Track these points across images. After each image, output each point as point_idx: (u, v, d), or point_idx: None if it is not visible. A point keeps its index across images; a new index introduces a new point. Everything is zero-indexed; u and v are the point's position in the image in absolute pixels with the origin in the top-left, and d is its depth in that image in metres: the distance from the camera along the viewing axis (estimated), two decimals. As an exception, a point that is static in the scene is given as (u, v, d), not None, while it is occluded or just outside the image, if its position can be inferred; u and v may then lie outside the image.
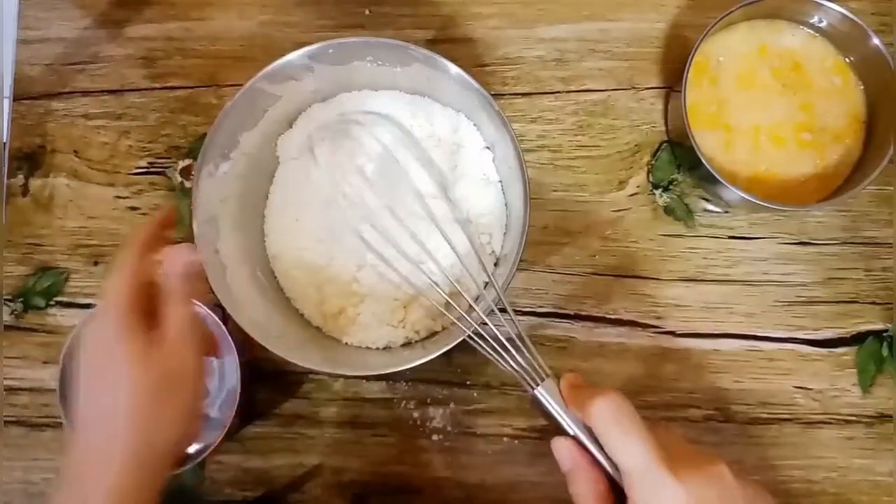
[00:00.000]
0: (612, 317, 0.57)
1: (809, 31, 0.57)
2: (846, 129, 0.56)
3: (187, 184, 0.60)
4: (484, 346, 0.43)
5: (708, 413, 0.56)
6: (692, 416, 0.56)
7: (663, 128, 0.59)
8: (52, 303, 0.59)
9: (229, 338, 0.52)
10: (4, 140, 0.61)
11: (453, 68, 0.48)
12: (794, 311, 0.57)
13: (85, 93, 0.62)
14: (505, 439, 0.56)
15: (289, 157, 0.55)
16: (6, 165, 0.61)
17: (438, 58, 0.48)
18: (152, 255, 0.40)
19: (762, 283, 0.57)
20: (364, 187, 0.52)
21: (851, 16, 0.53)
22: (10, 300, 0.59)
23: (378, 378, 0.57)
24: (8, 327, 0.59)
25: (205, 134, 0.48)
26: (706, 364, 0.56)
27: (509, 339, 0.42)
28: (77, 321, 0.53)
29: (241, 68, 0.61)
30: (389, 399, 0.57)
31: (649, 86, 0.60)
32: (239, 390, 0.52)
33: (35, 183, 0.61)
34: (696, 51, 0.53)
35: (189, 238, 0.48)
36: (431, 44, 0.61)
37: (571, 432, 0.38)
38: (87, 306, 0.59)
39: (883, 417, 0.55)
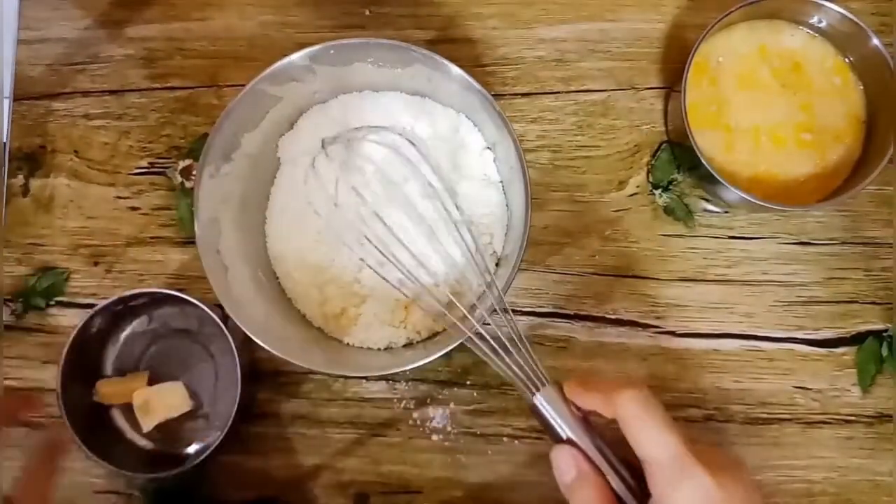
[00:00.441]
0: (612, 317, 0.57)
1: (809, 31, 0.57)
2: (846, 129, 0.56)
3: (188, 184, 0.60)
4: (485, 349, 0.42)
5: (708, 413, 0.56)
6: (692, 416, 0.56)
7: (663, 128, 0.59)
8: (52, 303, 0.59)
9: (229, 338, 0.52)
10: (5, 140, 0.61)
11: (454, 69, 0.48)
12: (794, 311, 0.57)
13: (85, 93, 0.62)
14: (505, 439, 0.56)
15: (290, 158, 0.55)
16: (6, 165, 0.61)
17: (439, 58, 0.48)
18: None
19: (762, 283, 0.57)
20: (365, 189, 0.52)
21: (851, 16, 0.53)
22: (10, 300, 0.59)
23: (378, 378, 0.57)
24: (8, 327, 0.59)
25: (205, 134, 0.49)
26: (706, 364, 0.56)
27: (510, 341, 0.42)
28: (77, 321, 0.53)
29: (241, 68, 0.61)
30: (389, 399, 0.57)
31: (649, 86, 0.60)
32: (239, 390, 0.52)
33: (35, 183, 0.61)
34: (695, 51, 0.53)
35: (192, 238, 0.48)
36: (432, 44, 0.61)
37: (576, 439, 0.37)
38: (88, 306, 0.59)
39: (883, 417, 0.56)
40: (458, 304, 0.46)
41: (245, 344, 0.52)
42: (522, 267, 0.50)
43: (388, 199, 0.52)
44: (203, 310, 0.53)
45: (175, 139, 0.61)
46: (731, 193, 0.52)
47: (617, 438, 0.37)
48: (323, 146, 0.53)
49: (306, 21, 0.62)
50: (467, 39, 0.61)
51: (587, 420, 0.38)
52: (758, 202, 0.51)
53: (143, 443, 0.56)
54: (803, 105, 0.56)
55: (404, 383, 0.57)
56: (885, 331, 0.56)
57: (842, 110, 0.56)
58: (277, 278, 0.55)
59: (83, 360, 0.54)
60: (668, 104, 0.59)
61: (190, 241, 0.59)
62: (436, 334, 0.53)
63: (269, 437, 0.57)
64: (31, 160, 0.61)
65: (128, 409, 0.55)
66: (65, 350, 0.52)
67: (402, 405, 0.57)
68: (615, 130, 0.60)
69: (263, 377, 0.57)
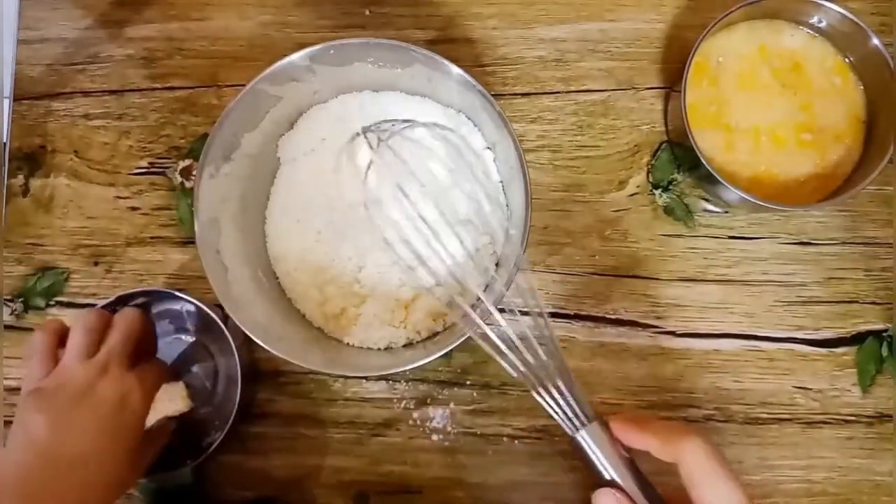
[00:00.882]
0: (612, 317, 0.57)
1: (809, 31, 0.57)
2: (846, 129, 0.56)
3: (187, 184, 0.60)
4: (532, 379, 0.40)
5: (708, 413, 0.56)
6: (692, 415, 0.56)
7: (663, 128, 0.59)
8: (52, 303, 0.59)
9: (230, 338, 0.52)
10: (5, 140, 0.61)
11: (454, 69, 0.48)
12: (794, 311, 0.57)
13: (85, 93, 0.62)
14: (505, 439, 0.56)
15: (290, 158, 0.55)
16: (6, 165, 0.61)
17: (439, 58, 0.48)
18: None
19: (762, 283, 0.57)
20: (407, 186, 0.52)
21: (851, 16, 0.53)
22: (10, 300, 0.59)
23: (378, 378, 0.57)
24: (8, 327, 0.59)
25: (205, 134, 0.49)
26: (706, 364, 0.56)
27: (551, 373, 0.39)
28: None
29: (241, 68, 0.61)
30: (389, 399, 0.57)
31: (649, 86, 0.60)
32: (239, 390, 0.52)
33: (35, 183, 0.61)
34: (695, 51, 0.53)
35: (192, 238, 0.48)
36: (432, 44, 0.61)
37: (621, 482, 0.36)
38: (88, 306, 0.59)
39: (883, 417, 0.56)
40: (511, 336, 0.43)
41: (245, 344, 0.52)
42: (522, 267, 0.50)
43: (425, 196, 0.52)
44: (203, 310, 0.53)
45: (175, 139, 0.61)
46: (731, 193, 0.52)
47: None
48: (363, 134, 0.53)
49: (306, 21, 0.62)
50: (467, 39, 0.61)
51: (633, 461, 0.37)
52: (758, 202, 0.51)
53: (143, 443, 0.56)
54: (803, 105, 0.56)
55: (404, 383, 0.57)
56: (885, 331, 0.56)
57: (842, 110, 0.56)
58: (277, 278, 0.55)
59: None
60: (668, 104, 0.59)
61: (190, 241, 0.59)
62: (436, 334, 0.53)
63: (269, 437, 0.57)
64: (31, 160, 0.61)
65: None
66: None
67: (402, 405, 0.57)
68: (615, 130, 0.60)
69: (263, 377, 0.57)
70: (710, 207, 0.58)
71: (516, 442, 0.56)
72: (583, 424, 0.38)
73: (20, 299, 0.59)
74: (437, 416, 0.56)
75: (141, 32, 0.63)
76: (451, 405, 0.57)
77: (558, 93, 0.60)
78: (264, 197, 0.56)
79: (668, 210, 0.58)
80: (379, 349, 0.52)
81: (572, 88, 0.60)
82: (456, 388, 0.57)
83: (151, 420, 0.54)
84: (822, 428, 0.56)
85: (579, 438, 0.37)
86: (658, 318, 0.57)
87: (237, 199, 0.52)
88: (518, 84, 0.60)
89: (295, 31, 0.62)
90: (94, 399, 0.42)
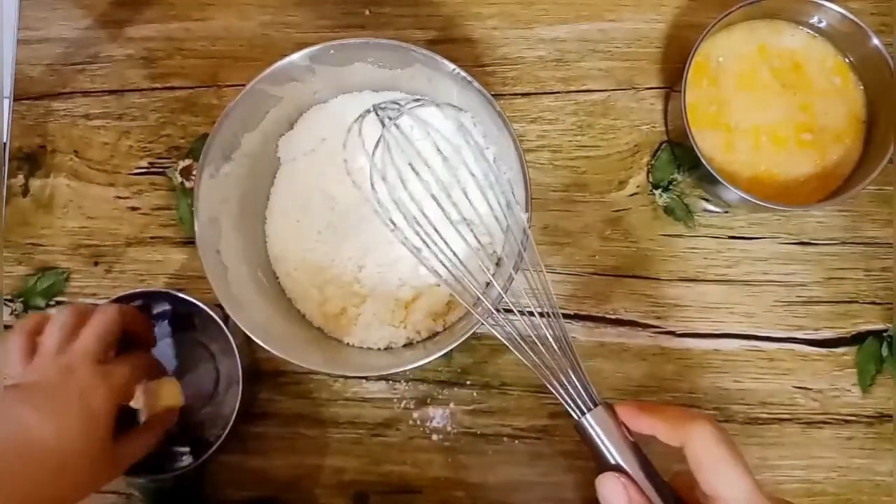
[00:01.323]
0: (612, 317, 0.57)
1: (809, 31, 0.57)
2: (846, 129, 0.56)
3: (187, 184, 0.60)
4: (535, 359, 0.40)
5: (708, 413, 0.56)
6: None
7: (663, 128, 0.59)
8: (52, 303, 0.59)
9: (230, 338, 0.52)
10: (4, 140, 0.61)
11: (454, 69, 0.48)
12: (794, 311, 0.57)
13: (85, 93, 0.62)
14: (505, 439, 0.56)
15: (290, 158, 0.55)
16: (6, 165, 0.61)
17: (439, 58, 0.48)
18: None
19: (762, 283, 0.57)
20: (420, 167, 0.52)
21: (851, 16, 0.53)
22: (10, 300, 0.59)
23: (378, 378, 0.57)
24: (8, 327, 0.59)
25: (205, 134, 0.49)
26: (706, 364, 0.56)
27: (558, 354, 0.40)
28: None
29: (241, 68, 0.61)
30: (389, 399, 0.57)
31: (649, 86, 0.60)
32: (240, 390, 0.52)
33: (35, 183, 0.61)
34: (695, 51, 0.53)
35: (192, 238, 0.48)
36: (431, 44, 0.61)
37: (626, 466, 0.36)
38: (88, 306, 0.59)
39: (883, 417, 0.56)
40: (512, 307, 0.44)
41: (245, 344, 0.52)
42: (522, 267, 0.50)
43: (437, 179, 0.52)
44: (203, 310, 0.53)
45: (175, 139, 0.61)
46: (731, 193, 0.52)
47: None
48: (374, 111, 0.52)
49: (306, 21, 0.62)
50: (467, 39, 0.61)
51: (637, 446, 0.37)
52: (758, 202, 0.51)
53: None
54: (803, 105, 0.56)
55: (404, 383, 0.57)
56: (885, 331, 0.56)
57: (842, 110, 0.56)
58: (277, 278, 0.55)
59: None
60: (668, 104, 0.59)
61: (190, 241, 0.59)
62: (436, 334, 0.53)
63: (269, 437, 0.57)
64: (31, 160, 0.61)
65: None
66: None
67: (402, 405, 0.57)
68: (615, 130, 0.60)
69: (264, 377, 0.57)
70: (710, 207, 0.58)
71: (516, 442, 0.56)
72: (588, 409, 0.37)
73: (20, 299, 0.59)
74: (437, 416, 0.56)
75: (141, 32, 0.63)
76: (451, 405, 0.57)
77: (558, 93, 0.60)
78: (264, 197, 0.56)
79: (668, 210, 0.58)
80: (379, 349, 0.52)
81: (572, 88, 0.60)
82: (456, 388, 0.57)
83: (143, 416, 0.53)
84: (823, 428, 0.56)
85: (584, 422, 0.37)
86: (658, 318, 0.57)
87: (237, 199, 0.52)
88: (518, 84, 0.60)
89: (295, 31, 0.62)
90: (62, 395, 0.42)
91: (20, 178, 0.61)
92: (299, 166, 0.55)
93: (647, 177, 0.59)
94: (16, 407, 0.41)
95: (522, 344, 0.42)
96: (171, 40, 0.62)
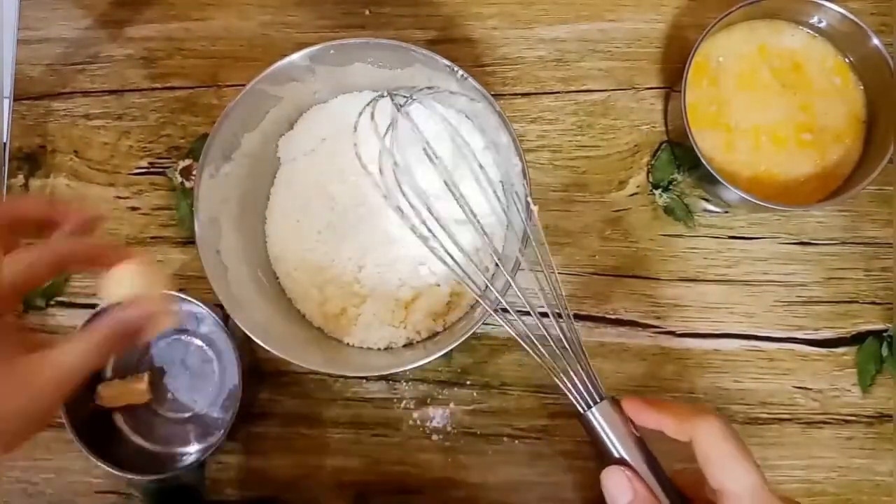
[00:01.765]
0: (612, 317, 0.57)
1: (809, 31, 0.57)
2: (846, 129, 0.56)
3: (188, 184, 0.60)
4: (542, 351, 0.40)
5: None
6: (692, 415, 0.56)
7: (663, 128, 0.59)
8: (52, 303, 0.59)
9: (230, 338, 0.52)
10: (4, 140, 0.61)
11: (454, 68, 0.48)
12: (794, 311, 0.57)
13: (85, 93, 0.62)
14: (505, 439, 0.56)
15: (290, 158, 0.55)
16: (6, 165, 0.61)
17: (439, 58, 0.48)
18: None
19: (762, 283, 0.57)
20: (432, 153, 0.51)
21: (851, 16, 0.53)
22: (10, 300, 0.59)
23: (378, 378, 0.57)
24: (8, 327, 0.59)
25: (205, 134, 0.49)
26: (706, 364, 0.56)
27: (565, 347, 0.40)
28: (78, 321, 0.53)
29: (241, 68, 0.61)
30: (389, 399, 0.57)
31: (649, 86, 0.60)
32: (240, 390, 0.52)
33: (35, 183, 0.61)
34: (695, 51, 0.53)
35: (192, 238, 0.48)
36: (431, 44, 0.61)
37: (630, 460, 0.36)
38: (88, 306, 0.59)
39: (883, 417, 0.56)
40: (520, 294, 0.44)
41: (245, 344, 0.52)
42: (522, 267, 0.50)
43: (445, 168, 0.52)
44: (203, 310, 0.53)
45: (175, 139, 0.61)
46: (731, 193, 0.52)
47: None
48: (388, 95, 0.52)
49: (306, 21, 0.62)
50: (467, 39, 0.61)
51: (643, 441, 0.37)
52: (758, 202, 0.51)
53: (143, 443, 0.56)
54: (803, 105, 0.56)
55: (404, 383, 0.57)
56: (885, 331, 0.56)
57: (842, 110, 0.56)
58: (277, 278, 0.55)
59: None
60: (668, 104, 0.59)
61: (190, 241, 0.59)
62: (436, 334, 0.53)
63: (269, 437, 0.57)
64: (31, 160, 0.61)
65: (128, 411, 0.56)
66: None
67: (402, 405, 0.57)
68: (615, 130, 0.60)
69: (263, 377, 0.57)
70: (710, 207, 0.58)
71: (516, 442, 0.56)
72: (594, 402, 0.37)
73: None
74: (437, 416, 0.56)
75: (141, 32, 0.63)
76: (451, 405, 0.57)
77: (558, 93, 0.60)
78: (264, 197, 0.56)
79: (668, 210, 0.58)
80: (379, 349, 0.52)
81: (572, 88, 0.60)
82: (456, 388, 0.57)
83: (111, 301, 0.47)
84: (822, 428, 0.56)
85: (590, 415, 0.37)
86: (658, 318, 0.57)
87: (237, 199, 0.52)
88: (518, 84, 0.60)
89: (295, 31, 0.62)
90: None
91: (20, 178, 0.61)
92: (299, 166, 0.55)
93: (647, 177, 0.59)
94: None
95: (530, 336, 0.42)
96: (171, 40, 0.62)
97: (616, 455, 0.36)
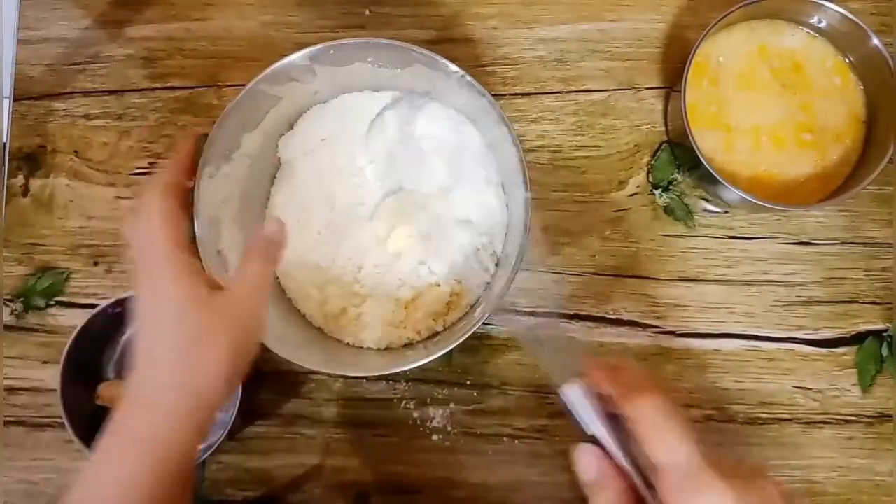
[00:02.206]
0: (612, 317, 0.57)
1: (809, 31, 0.57)
2: (846, 129, 0.56)
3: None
4: (522, 329, 0.41)
5: (708, 413, 0.56)
6: (692, 416, 0.56)
7: (663, 128, 0.59)
8: (52, 303, 0.59)
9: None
10: (5, 140, 0.61)
11: (454, 69, 0.48)
12: (794, 311, 0.57)
13: (85, 93, 0.62)
14: (505, 439, 0.56)
15: (290, 157, 0.55)
16: (6, 165, 0.61)
17: (439, 58, 0.48)
18: (180, 191, 0.40)
19: (762, 283, 0.57)
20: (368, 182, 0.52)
21: (851, 16, 0.53)
22: (10, 300, 0.59)
23: (378, 378, 0.57)
24: (8, 327, 0.59)
25: (205, 134, 0.48)
26: (706, 364, 0.56)
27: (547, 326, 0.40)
28: (77, 321, 0.53)
29: (241, 68, 0.61)
30: (390, 399, 0.57)
31: (649, 86, 0.60)
32: (240, 390, 0.52)
33: (35, 183, 0.61)
34: (695, 51, 0.53)
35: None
36: (432, 44, 0.61)
37: (600, 438, 0.35)
38: (88, 306, 0.59)
39: (883, 417, 0.56)
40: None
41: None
42: (522, 267, 0.50)
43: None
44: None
45: (175, 139, 0.61)
46: (731, 193, 0.52)
47: None
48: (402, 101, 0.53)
49: (306, 21, 0.62)
50: (467, 39, 0.61)
51: (617, 417, 0.36)
52: (758, 202, 0.51)
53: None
54: (803, 105, 0.56)
55: (404, 383, 0.57)
56: (885, 331, 0.56)
57: (842, 110, 0.56)
58: (277, 278, 0.55)
59: (83, 361, 0.54)
60: (668, 104, 0.59)
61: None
62: (436, 334, 0.53)
63: (269, 437, 0.57)
64: (31, 160, 0.61)
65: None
66: (65, 351, 0.52)
67: (402, 405, 0.57)
68: (615, 130, 0.60)
69: (264, 377, 0.57)
70: (710, 207, 0.58)
71: (516, 442, 0.56)
72: (572, 381, 0.37)
73: (20, 299, 0.59)
74: (437, 416, 0.56)
75: (141, 32, 0.63)
76: (451, 405, 0.57)
77: (558, 93, 0.60)
78: (264, 197, 0.56)
79: (668, 210, 0.58)
80: (379, 349, 0.53)
81: (572, 88, 0.60)
82: (456, 388, 0.57)
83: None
84: (823, 428, 0.56)
85: (562, 393, 0.37)
86: (658, 318, 0.57)
87: (237, 199, 0.52)
88: (518, 84, 0.60)
89: (295, 31, 0.62)
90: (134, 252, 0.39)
91: (20, 178, 0.61)
92: (299, 166, 0.55)
93: (647, 177, 0.59)
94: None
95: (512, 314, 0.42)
96: (171, 40, 0.62)
97: (588, 433, 0.36)
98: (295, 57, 0.49)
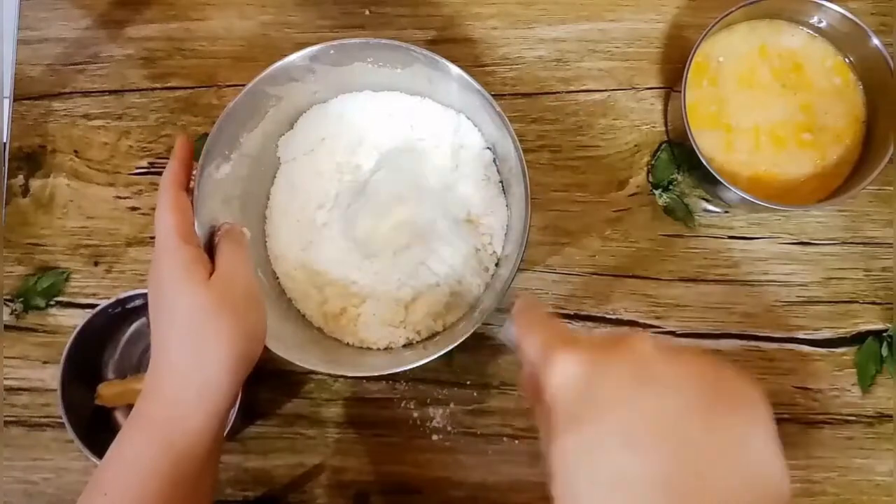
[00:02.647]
0: (612, 317, 0.57)
1: (809, 31, 0.57)
2: (846, 129, 0.56)
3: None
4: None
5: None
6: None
7: (663, 128, 0.59)
8: (52, 303, 0.59)
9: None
10: (5, 140, 0.61)
11: (454, 69, 0.48)
12: (794, 311, 0.57)
13: (85, 93, 0.62)
14: (505, 439, 0.56)
15: (290, 157, 0.55)
16: (6, 165, 0.61)
17: (439, 58, 0.48)
18: (186, 187, 0.44)
19: (762, 283, 0.57)
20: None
21: (851, 16, 0.53)
22: (10, 300, 0.59)
23: (378, 378, 0.57)
24: (8, 327, 0.59)
25: (205, 134, 0.48)
26: (706, 364, 0.56)
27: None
28: (77, 321, 0.53)
29: (241, 68, 0.61)
30: (390, 399, 0.57)
31: (649, 86, 0.60)
32: (240, 390, 0.52)
33: (35, 183, 0.61)
34: (695, 51, 0.53)
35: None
36: (431, 44, 0.61)
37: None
38: (88, 306, 0.59)
39: (883, 417, 0.56)
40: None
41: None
42: (522, 267, 0.50)
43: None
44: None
45: (175, 139, 0.61)
46: (731, 193, 0.52)
47: None
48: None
49: (306, 21, 0.62)
50: (467, 39, 0.61)
51: None
52: (758, 202, 0.51)
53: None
54: (803, 105, 0.56)
55: (404, 383, 0.57)
56: (885, 331, 0.56)
57: (842, 110, 0.56)
58: (277, 278, 0.55)
59: (83, 361, 0.54)
60: (668, 104, 0.59)
61: (190, 241, 0.59)
62: (436, 334, 0.53)
63: (269, 437, 0.57)
64: (31, 160, 0.61)
65: (129, 411, 0.55)
66: (65, 351, 0.52)
67: (402, 405, 0.57)
68: (615, 130, 0.60)
69: (264, 377, 0.57)
70: (710, 207, 0.58)
71: (516, 442, 0.56)
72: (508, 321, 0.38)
73: (20, 299, 0.59)
74: (438, 416, 0.56)
75: (141, 32, 0.63)
76: (451, 405, 0.57)
77: (558, 93, 0.60)
78: (264, 197, 0.56)
79: (668, 210, 0.58)
80: (379, 349, 0.52)
81: (572, 88, 0.60)
82: (456, 388, 0.57)
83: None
84: (823, 428, 0.56)
85: (501, 334, 0.39)
86: (658, 318, 0.57)
87: (237, 199, 0.52)
88: (518, 84, 0.60)
89: (295, 31, 0.62)
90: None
91: (20, 178, 0.61)
92: (299, 166, 0.55)
93: (647, 177, 0.59)
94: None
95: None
96: (171, 40, 0.62)
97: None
98: (295, 57, 0.49)
